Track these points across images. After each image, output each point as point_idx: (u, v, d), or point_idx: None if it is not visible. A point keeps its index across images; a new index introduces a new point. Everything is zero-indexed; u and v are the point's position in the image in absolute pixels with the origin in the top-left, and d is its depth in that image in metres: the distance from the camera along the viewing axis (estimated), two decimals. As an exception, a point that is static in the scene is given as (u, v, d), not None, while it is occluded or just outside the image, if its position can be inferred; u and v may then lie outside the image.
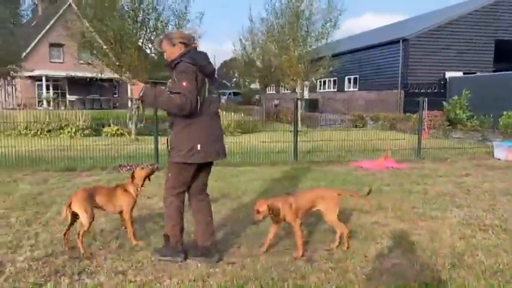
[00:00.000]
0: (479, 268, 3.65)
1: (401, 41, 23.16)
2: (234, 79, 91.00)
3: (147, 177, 4.23)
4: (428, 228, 4.74)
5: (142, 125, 3.89)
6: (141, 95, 3.57)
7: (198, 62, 3.56)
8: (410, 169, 8.56)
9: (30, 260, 3.74)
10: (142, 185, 4.23)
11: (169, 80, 3.65)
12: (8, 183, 6.79)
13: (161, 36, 4.06)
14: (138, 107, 3.28)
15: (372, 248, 4.09)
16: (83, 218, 3.80)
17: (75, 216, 3.89)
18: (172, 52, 3.67)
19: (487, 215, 5.27)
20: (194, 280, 3.40)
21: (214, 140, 3.72)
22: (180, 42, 3.65)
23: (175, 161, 3.64)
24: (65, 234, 3.98)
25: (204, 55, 3.71)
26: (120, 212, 4.13)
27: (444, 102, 17.01)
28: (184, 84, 3.46)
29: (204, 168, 3.82)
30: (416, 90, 21.68)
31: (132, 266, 3.65)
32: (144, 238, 4.31)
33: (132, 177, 4.17)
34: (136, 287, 3.30)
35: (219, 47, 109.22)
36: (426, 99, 10.84)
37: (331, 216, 4.04)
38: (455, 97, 16.78)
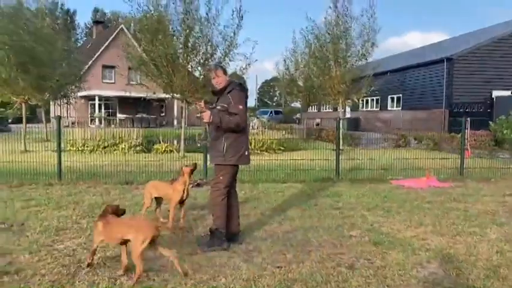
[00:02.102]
0: (514, 279, 3.87)
1: (445, 60, 22.97)
2: (275, 98, 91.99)
3: (192, 172, 5.34)
4: (466, 243, 4.96)
5: (206, 142, 4.63)
6: (211, 119, 4.49)
7: (245, 90, 4.75)
8: (452, 188, 8.66)
9: (104, 258, 4.31)
10: (189, 180, 5.36)
11: (217, 102, 4.66)
12: (75, 194, 7.53)
13: (214, 64, 5.08)
14: (205, 129, 4.30)
15: (410, 259, 4.38)
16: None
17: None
18: (223, 79, 4.70)
19: (527, 232, 5.40)
20: (246, 280, 3.83)
21: (249, 148, 4.88)
22: (227, 75, 4.81)
23: (230, 163, 4.63)
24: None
25: (241, 84, 4.83)
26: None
27: (490, 122, 16.75)
28: (240, 107, 4.55)
29: (239, 169, 4.85)
30: (461, 110, 21.38)
31: (192, 266, 4.13)
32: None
33: (182, 173, 5.27)
34: (196, 285, 3.76)
35: (260, 66, 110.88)
36: (469, 118, 10.88)
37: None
38: (503, 116, 16.50)
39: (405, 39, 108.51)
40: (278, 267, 4.14)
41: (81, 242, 4.81)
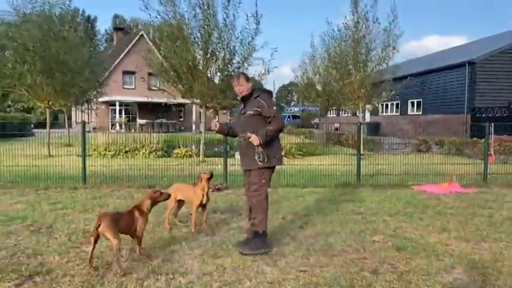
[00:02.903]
0: (542, 286, 3.82)
1: (467, 64, 22.66)
2: (293, 102, 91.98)
3: (209, 179, 5.46)
4: (491, 249, 4.90)
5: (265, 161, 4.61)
6: (261, 141, 4.52)
7: (271, 93, 4.93)
8: (475, 194, 8.56)
9: (130, 261, 4.41)
10: (208, 185, 5.47)
11: (245, 108, 4.74)
12: (100, 197, 7.69)
13: (236, 73, 5.19)
14: (262, 150, 4.28)
15: (434, 264, 4.36)
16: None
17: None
18: (247, 86, 4.73)
19: (554, 239, 5.31)
20: (271, 283, 3.87)
21: (280, 151, 4.94)
22: (250, 82, 4.82)
23: (272, 165, 4.72)
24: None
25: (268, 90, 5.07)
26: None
27: (514, 127, 16.43)
28: (275, 108, 4.66)
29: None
30: (484, 115, 21.03)
31: (217, 269, 4.19)
32: (221, 246, 4.85)
33: (200, 179, 5.42)
34: (222, 287, 3.82)
35: (277, 71, 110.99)
36: (493, 124, 10.71)
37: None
38: (526, 121, 16.18)
39: (424, 43, 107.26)
40: (302, 271, 4.17)
41: (107, 244, 4.91)
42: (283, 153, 4.97)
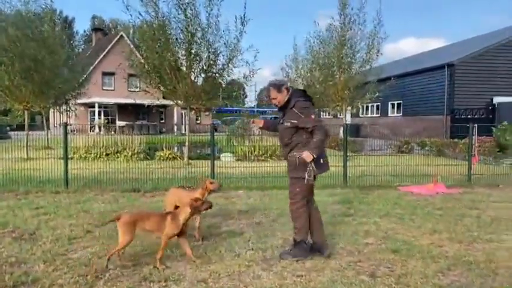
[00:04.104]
0: (538, 287, 3.82)
1: (446, 66, 23.06)
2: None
3: (213, 191, 5.22)
4: (484, 250, 4.91)
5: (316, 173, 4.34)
6: (315, 156, 4.26)
7: (308, 97, 4.57)
8: (461, 194, 8.63)
9: (120, 268, 4.24)
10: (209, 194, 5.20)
11: (284, 118, 4.56)
12: (84, 202, 7.46)
13: (267, 85, 4.93)
14: (310, 165, 4.01)
15: (430, 267, 4.33)
16: None
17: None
18: (281, 96, 4.55)
19: (543, 239, 5.36)
20: (268, 289, 3.78)
21: (326, 156, 4.65)
22: (285, 88, 4.53)
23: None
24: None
25: (304, 91, 4.69)
26: None
27: (493, 128, 16.77)
28: (312, 116, 4.39)
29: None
30: (463, 116, 21.43)
31: (211, 275, 4.07)
32: (215, 252, 4.72)
33: (205, 188, 5.11)
34: (217, 294, 3.70)
35: (258, 74, 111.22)
36: (476, 125, 10.87)
37: None
38: (505, 122, 16.51)
39: (400, 46, 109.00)
40: (298, 275, 4.08)
41: (95, 251, 4.74)
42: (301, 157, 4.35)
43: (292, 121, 4.42)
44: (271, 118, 50.23)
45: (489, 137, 16.23)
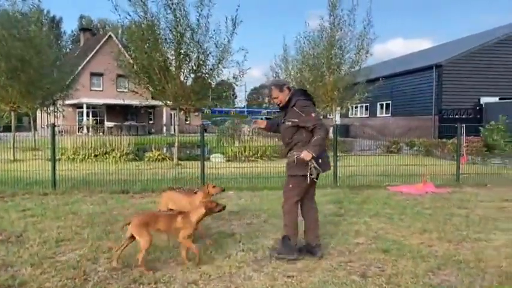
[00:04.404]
0: (527, 286, 3.86)
1: (434, 67, 23.28)
2: (264, 105, 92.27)
3: (213, 195, 5.16)
4: (473, 249, 4.95)
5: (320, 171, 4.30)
6: (314, 155, 4.26)
7: (309, 95, 4.58)
8: (449, 194, 8.71)
9: (109, 270, 4.18)
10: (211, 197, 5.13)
11: (285, 117, 4.55)
12: (73, 203, 7.37)
13: (268, 85, 4.88)
14: (311, 164, 3.96)
15: (420, 266, 4.34)
16: None
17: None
18: (282, 96, 4.54)
19: (531, 237, 5.42)
20: (259, 290, 3.75)
21: (327, 156, 4.65)
22: (286, 87, 4.54)
23: (300, 174, 4.41)
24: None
25: (305, 91, 4.74)
26: None
27: (481, 128, 16.96)
28: (313, 115, 4.37)
29: (317, 178, 4.56)
30: (451, 116, 21.64)
31: (201, 277, 4.03)
32: (206, 253, 4.69)
33: (207, 192, 5.07)
34: (208, 296, 3.67)
35: (248, 74, 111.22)
36: (464, 125, 10.97)
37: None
38: (492, 122, 16.71)
39: (388, 46, 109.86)
40: (289, 276, 4.07)
41: (84, 253, 4.68)
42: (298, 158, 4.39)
43: (293, 120, 4.44)
44: (261, 119, 50.34)
45: (477, 137, 16.40)
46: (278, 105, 4.66)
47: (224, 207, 4.50)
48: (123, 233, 4.26)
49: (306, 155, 4.25)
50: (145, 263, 4.14)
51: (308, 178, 4.36)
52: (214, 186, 5.22)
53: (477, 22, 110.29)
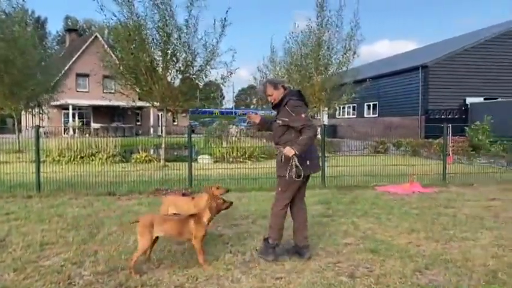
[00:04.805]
0: (513, 284, 3.88)
1: (420, 68, 23.49)
2: (252, 106, 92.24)
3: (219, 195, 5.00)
4: (460, 248, 4.97)
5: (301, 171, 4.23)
6: (296, 152, 4.22)
7: (301, 96, 4.56)
8: (436, 193, 8.76)
9: (95, 274, 4.11)
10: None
11: (277, 116, 4.54)
12: (58, 206, 7.24)
13: (263, 82, 4.95)
14: (292, 161, 3.89)
15: (408, 266, 4.35)
16: None
17: None
18: (277, 93, 4.53)
19: (516, 236, 5.47)
20: (247, 293, 3.71)
21: (317, 157, 4.66)
22: (281, 86, 4.54)
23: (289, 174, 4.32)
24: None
25: (299, 91, 4.67)
26: None
27: (466, 128, 17.15)
28: (303, 115, 4.34)
29: (307, 179, 4.62)
30: (437, 116, 21.85)
31: (188, 280, 3.98)
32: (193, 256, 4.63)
33: (211, 194, 4.90)
34: (195, 299, 3.62)
35: (236, 75, 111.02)
36: (450, 125, 11.07)
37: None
38: (478, 122, 16.91)
39: (375, 48, 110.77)
40: (278, 278, 4.04)
41: (68, 257, 4.59)
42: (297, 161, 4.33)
43: (284, 119, 4.43)
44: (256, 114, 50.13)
45: (462, 137, 16.58)
46: (272, 103, 4.64)
47: (231, 203, 4.49)
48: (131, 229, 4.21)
49: (289, 150, 4.24)
50: (134, 264, 4.07)
51: (287, 176, 4.32)
52: (218, 187, 5.18)
53: (460, 24, 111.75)
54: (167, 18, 13.14)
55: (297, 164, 4.29)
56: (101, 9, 13.05)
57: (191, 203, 5.16)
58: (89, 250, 4.83)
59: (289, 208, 4.64)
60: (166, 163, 13.69)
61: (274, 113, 4.78)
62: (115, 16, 13.25)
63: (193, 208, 4.97)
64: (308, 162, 4.41)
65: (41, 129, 9.16)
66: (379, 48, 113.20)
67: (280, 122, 4.46)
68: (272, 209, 4.61)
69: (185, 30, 13.36)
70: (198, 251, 4.24)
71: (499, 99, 21.86)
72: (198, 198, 5.17)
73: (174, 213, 5.06)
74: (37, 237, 5.32)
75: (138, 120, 42.14)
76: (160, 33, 13.37)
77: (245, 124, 44.93)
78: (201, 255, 4.24)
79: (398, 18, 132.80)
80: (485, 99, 22.69)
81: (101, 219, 6.28)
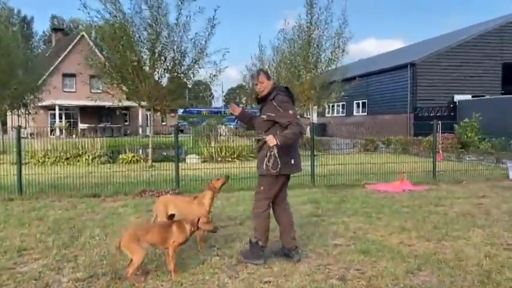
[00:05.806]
0: (508, 285, 3.77)
1: (409, 66, 23.52)
2: (241, 105, 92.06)
3: (220, 188, 5.01)
4: (452, 247, 4.86)
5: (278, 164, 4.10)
6: (278, 142, 4.06)
7: (290, 93, 4.45)
8: (427, 191, 8.68)
9: (74, 281, 3.91)
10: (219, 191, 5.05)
11: (262, 110, 4.41)
12: (39, 209, 7.00)
13: (256, 70, 4.76)
14: (271, 150, 3.71)
15: (400, 267, 4.22)
16: None
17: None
18: (267, 84, 4.36)
19: (508, 234, 5.39)
20: (234, 298, 3.55)
21: (299, 156, 4.50)
22: (272, 80, 4.43)
23: (272, 173, 4.21)
24: None
25: (287, 88, 4.55)
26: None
27: (455, 125, 17.17)
28: (290, 112, 4.22)
29: (288, 179, 4.48)
30: (425, 114, 21.89)
31: (173, 285, 3.81)
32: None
33: (213, 188, 4.86)
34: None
35: (225, 74, 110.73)
36: (440, 122, 11.01)
37: None
38: (466, 120, 16.94)
39: (362, 46, 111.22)
40: (266, 282, 3.88)
41: (47, 263, 4.39)
42: (292, 160, 4.34)
43: (270, 114, 4.27)
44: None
45: (451, 134, 16.60)
46: (257, 95, 4.48)
47: (216, 229, 4.34)
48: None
49: (271, 139, 4.08)
50: (132, 277, 3.86)
51: (265, 166, 4.18)
52: (218, 179, 5.02)
53: (446, 24, 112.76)
54: (157, 16, 12.94)
55: (276, 155, 4.14)
56: (84, 6, 12.78)
57: (193, 202, 4.90)
58: (69, 255, 4.63)
59: (272, 211, 4.47)
60: (154, 163, 13.47)
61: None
62: (100, 14, 13.01)
63: (196, 208, 4.74)
64: (293, 161, 4.31)
65: (25, 130, 8.90)
66: (367, 47, 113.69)
67: (265, 117, 4.30)
68: (253, 211, 4.46)
69: (175, 29, 13.18)
70: (170, 257, 4.00)
71: (487, 97, 21.97)
72: (200, 197, 4.92)
73: (172, 214, 4.88)
74: (15, 241, 5.10)
75: (126, 121, 41.69)
76: (149, 31, 13.17)
77: (234, 123, 44.84)
78: (173, 262, 3.99)
79: (384, 18, 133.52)
80: (473, 96, 22.79)
81: (84, 222, 6.08)
